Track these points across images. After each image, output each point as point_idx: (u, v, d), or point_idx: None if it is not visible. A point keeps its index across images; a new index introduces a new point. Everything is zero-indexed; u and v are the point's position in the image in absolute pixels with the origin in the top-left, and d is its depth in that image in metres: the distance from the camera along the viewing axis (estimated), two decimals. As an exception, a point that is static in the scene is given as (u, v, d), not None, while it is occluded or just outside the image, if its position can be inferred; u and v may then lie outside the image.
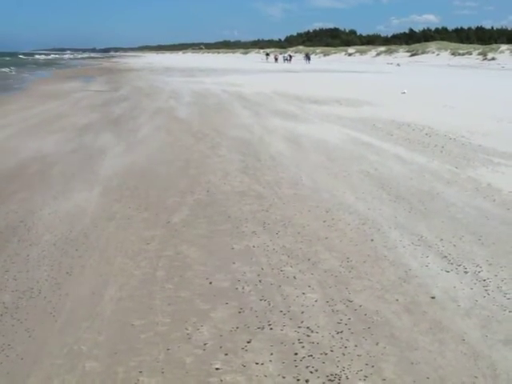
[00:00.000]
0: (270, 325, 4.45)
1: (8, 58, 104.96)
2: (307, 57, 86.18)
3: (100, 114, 18.22)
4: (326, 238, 6.43)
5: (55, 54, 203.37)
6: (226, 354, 4.05)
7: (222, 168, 10.01)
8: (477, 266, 5.64)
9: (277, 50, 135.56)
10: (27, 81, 38.68)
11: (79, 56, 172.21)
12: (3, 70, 53.04)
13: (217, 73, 48.75)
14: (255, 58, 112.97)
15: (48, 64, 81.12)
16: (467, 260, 5.78)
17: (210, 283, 5.27)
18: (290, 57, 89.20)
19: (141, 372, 3.84)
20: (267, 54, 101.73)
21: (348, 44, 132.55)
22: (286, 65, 76.00)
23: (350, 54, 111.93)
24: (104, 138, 13.39)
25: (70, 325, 4.50)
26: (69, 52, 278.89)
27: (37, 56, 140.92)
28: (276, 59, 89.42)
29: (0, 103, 21.85)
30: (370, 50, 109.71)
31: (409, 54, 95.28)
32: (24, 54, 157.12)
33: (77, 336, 4.31)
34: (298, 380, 3.76)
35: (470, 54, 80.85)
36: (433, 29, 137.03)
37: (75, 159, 11.02)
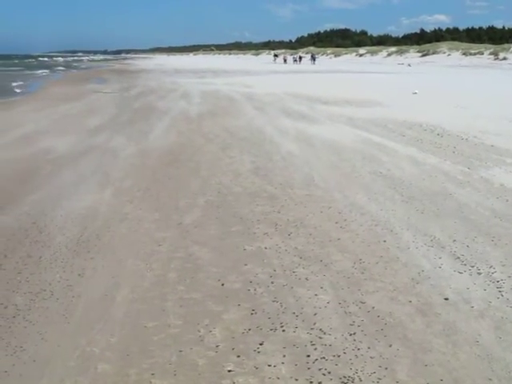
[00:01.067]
0: (282, 326, 4.43)
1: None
2: (312, 58, 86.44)
3: (111, 115, 18.26)
4: (339, 239, 6.41)
5: (72, 56, 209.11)
6: (239, 356, 4.04)
7: (233, 169, 10.00)
8: (490, 267, 5.60)
9: (287, 50, 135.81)
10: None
11: (97, 58, 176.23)
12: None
13: (227, 74, 48.81)
14: (266, 59, 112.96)
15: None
16: (480, 261, 5.74)
17: (222, 285, 5.26)
18: (300, 58, 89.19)
19: (153, 374, 3.83)
20: (275, 56, 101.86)
21: (359, 45, 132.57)
22: (296, 66, 75.96)
23: (360, 55, 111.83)
24: (116, 140, 13.42)
25: (83, 326, 4.49)
26: (80, 54, 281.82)
27: (55, 58, 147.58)
28: (285, 60, 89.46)
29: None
30: (380, 51, 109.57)
31: (420, 54, 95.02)
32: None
33: (89, 338, 4.30)
34: (311, 382, 3.73)
35: (482, 54, 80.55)
36: (444, 29, 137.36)
37: (87, 160, 11.04)
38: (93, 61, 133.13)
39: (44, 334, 4.40)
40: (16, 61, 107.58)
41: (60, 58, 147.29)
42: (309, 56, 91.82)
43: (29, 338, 4.33)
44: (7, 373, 3.90)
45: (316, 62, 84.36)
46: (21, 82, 37.89)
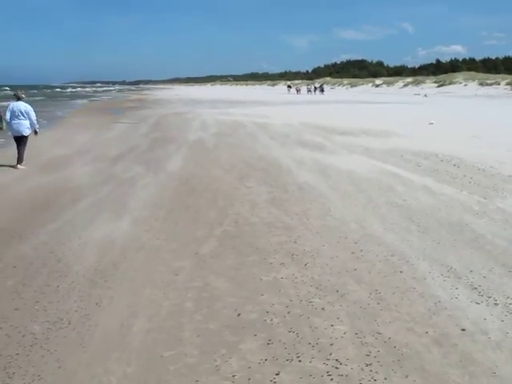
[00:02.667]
0: (298, 357, 4.43)
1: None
2: (321, 88, 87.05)
3: (130, 145, 18.39)
4: (355, 270, 6.41)
5: (92, 86, 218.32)
6: (255, 386, 4.03)
7: (250, 199, 10.04)
8: (507, 297, 5.57)
9: (304, 81, 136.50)
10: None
11: (119, 88, 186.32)
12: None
13: (244, 105, 49.12)
14: (282, 89, 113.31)
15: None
16: (497, 292, 5.72)
17: (239, 315, 5.27)
18: (315, 88, 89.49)
19: (169, 404, 3.84)
20: (289, 86, 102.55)
21: (375, 75, 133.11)
22: (310, 96, 76.34)
23: (377, 85, 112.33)
24: (134, 169, 13.52)
25: (100, 355, 4.51)
26: (99, 84, 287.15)
27: (87, 89, 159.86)
28: (297, 91, 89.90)
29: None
30: (397, 81, 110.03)
31: (436, 84, 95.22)
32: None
33: (106, 367, 4.32)
34: (327, 413, 3.72)
35: (498, 84, 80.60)
36: (460, 59, 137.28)
37: (105, 189, 11.13)
38: (114, 91, 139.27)
39: (61, 362, 4.42)
40: (48, 90, 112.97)
41: (88, 89, 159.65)
42: (325, 86, 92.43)
43: (46, 367, 4.35)
44: (25, 401, 3.92)
45: (325, 92, 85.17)
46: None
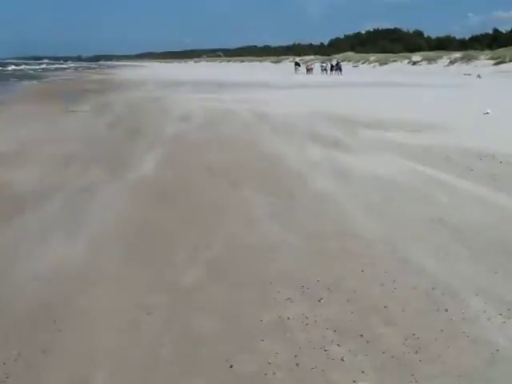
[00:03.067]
0: (310, 423, 4.42)
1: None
2: (338, 67, 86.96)
3: (90, 140, 18.39)
4: (385, 307, 6.39)
5: (38, 63, 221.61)
6: None
7: (246, 213, 10.03)
8: None
9: (318, 57, 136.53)
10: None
11: (82, 65, 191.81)
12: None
13: (239, 88, 49.14)
14: (289, 68, 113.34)
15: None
16: None
17: (231, 367, 5.25)
18: (332, 67, 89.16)
19: None
20: (297, 64, 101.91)
21: (412, 49, 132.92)
22: (326, 77, 76.35)
23: (414, 63, 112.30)
24: (94, 173, 13.45)
25: (46, 422, 4.50)
26: (47, 60, 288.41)
27: (34, 66, 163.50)
28: (308, 70, 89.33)
29: None
30: (441, 58, 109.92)
31: (493, 61, 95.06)
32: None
33: None
34: None
35: None
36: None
37: (56, 201, 11.08)
38: (69, 69, 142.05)
39: (-5, 431, 4.41)
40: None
41: (35, 66, 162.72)
42: (346, 64, 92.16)
43: None
44: None
45: (343, 71, 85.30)
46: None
